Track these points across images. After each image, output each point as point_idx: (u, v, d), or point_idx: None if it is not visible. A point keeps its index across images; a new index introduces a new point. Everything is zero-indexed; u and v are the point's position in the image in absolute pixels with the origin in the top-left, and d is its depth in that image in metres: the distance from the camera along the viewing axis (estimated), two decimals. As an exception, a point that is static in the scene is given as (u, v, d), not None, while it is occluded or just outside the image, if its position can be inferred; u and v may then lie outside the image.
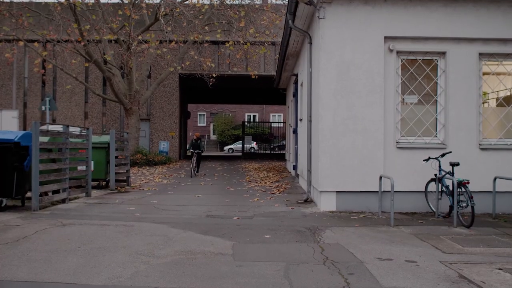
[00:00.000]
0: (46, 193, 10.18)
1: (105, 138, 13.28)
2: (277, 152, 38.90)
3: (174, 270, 5.12)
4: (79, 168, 11.40)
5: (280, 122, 41.47)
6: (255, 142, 44.28)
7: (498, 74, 9.68)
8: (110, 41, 21.35)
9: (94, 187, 12.91)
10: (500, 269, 5.28)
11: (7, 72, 26.05)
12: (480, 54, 9.39)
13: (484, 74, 9.56)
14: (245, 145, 37.11)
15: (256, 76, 22.56)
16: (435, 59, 9.49)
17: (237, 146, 48.70)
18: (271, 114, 59.58)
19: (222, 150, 54.65)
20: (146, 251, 5.93)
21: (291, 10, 10.17)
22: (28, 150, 9.34)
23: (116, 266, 5.25)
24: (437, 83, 9.51)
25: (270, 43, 21.91)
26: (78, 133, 11.63)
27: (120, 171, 13.50)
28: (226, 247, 6.18)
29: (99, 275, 4.91)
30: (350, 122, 9.17)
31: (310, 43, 10.52)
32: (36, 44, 19.12)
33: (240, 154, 37.43)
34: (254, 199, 11.03)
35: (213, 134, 60.92)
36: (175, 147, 26.81)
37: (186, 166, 22.69)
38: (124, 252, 5.85)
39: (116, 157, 13.26)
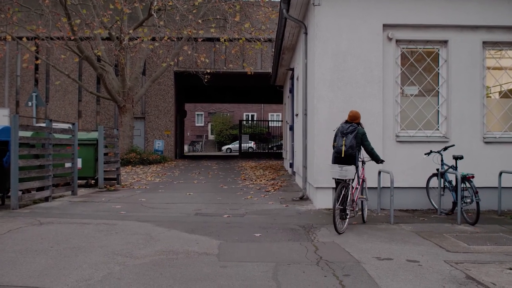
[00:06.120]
0: (29, 191, 9.69)
1: (94, 135, 12.77)
2: (275, 151, 38.42)
3: (151, 271, 4.64)
4: (66, 165, 10.92)
5: (278, 121, 40.92)
6: (253, 142, 43.73)
7: (503, 64, 9.19)
8: (102, 38, 20.88)
9: (82, 186, 12.42)
10: (510, 269, 4.80)
11: (-1, 70, 25.57)
12: (484, 42, 8.91)
13: (488, 63, 9.07)
14: (243, 145, 36.57)
15: (252, 73, 22.04)
16: (437, 48, 9.01)
17: (235, 146, 48.15)
18: (269, 114, 59.01)
19: (220, 150, 54.14)
20: (124, 251, 5.44)
21: (285, -2, 9.69)
22: (8, 145, 8.86)
23: (88, 267, 4.76)
24: (438, 73, 9.03)
25: (266, 39, 21.43)
26: (63, 128, 11.10)
27: (110, 169, 12.99)
28: (212, 247, 5.70)
29: (67, 277, 4.42)
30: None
31: (306, 33, 10.04)
32: (24, 39, 18.59)
33: (238, 153, 36.92)
34: (247, 197, 10.54)
35: (211, 134, 60.36)
36: (171, 146, 26.30)
37: (182, 165, 22.21)
38: (99, 252, 5.36)
39: (106, 154, 12.76)
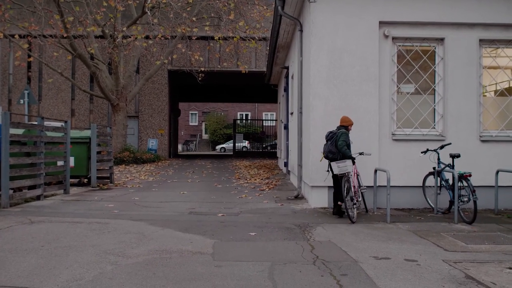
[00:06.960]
0: (20, 189, 9.53)
1: (86, 133, 12.61)
2: (269, 150, 38.30)
3: (144, 271, 4.52)
4: (59, 163, 10.76)
5: (272, 120, 40.74)
6: (247, 141, 43.58)
7: (500, 62, 9.14)
8: (96, 36, 20.70)
9: (75, 184, 12.26)
10: (510, 268, 4.72)
11: (-9, 68, 25.31)
12: (481, 40, 8.85)
13: (484, 62, 9.01)
14: (237, 144, 36.40)
15: (247, 71, 21.94)
16: (433, 46, 8.94)
17: (229, 145, 47.97)
18: (263, 113, 58.91)
19: (214, 149, 53.94)
20: (117, 250, 5.32)
21: (280, -5, 9.58)
22: (-2, 143, 8.69)
23: (79, 267, 4.64)
24: (435, 71, 8.96)
25: (260, 37, 21.32)
26: (55, 126, 10.92)
27: (103, 168, 12.84)
28: (206, 246, 5.59)
29: (57, 277, 4.29)
30: (343, 113, 8.57)
31: (301, 30, 9.93)
32: (17, 36, 18.38)
33: (232, 153, 36.76)
34: (242, 196, 10.44)
35: (205, 133, 60.17)
36: (165, 145, 26.14)
37: (176, 164, 22.08)
38: (91, 252, 5.24)
39: (99, 152, 12.62)
